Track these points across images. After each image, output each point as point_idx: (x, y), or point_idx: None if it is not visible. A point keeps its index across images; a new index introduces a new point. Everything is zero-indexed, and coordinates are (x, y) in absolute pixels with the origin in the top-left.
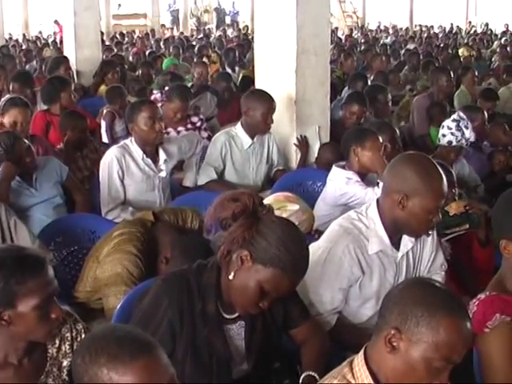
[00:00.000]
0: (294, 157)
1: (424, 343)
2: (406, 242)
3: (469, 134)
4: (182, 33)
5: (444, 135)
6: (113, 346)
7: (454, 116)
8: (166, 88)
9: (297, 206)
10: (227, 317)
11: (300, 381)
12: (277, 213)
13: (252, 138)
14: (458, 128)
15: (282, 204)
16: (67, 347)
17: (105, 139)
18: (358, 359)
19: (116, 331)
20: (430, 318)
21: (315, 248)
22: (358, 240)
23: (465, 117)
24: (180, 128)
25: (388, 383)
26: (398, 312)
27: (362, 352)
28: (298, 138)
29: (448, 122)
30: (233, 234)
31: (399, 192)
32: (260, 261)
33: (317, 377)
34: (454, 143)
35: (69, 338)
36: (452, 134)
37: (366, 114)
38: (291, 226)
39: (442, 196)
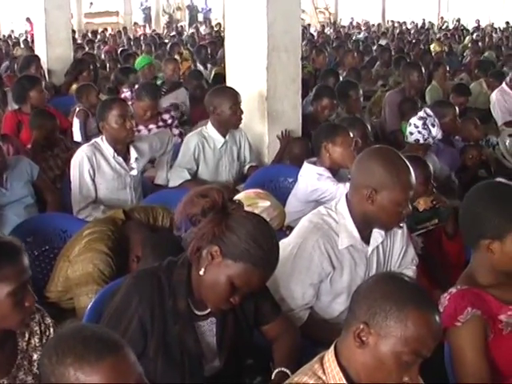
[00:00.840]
0: (267, 153)
1: (393, 337)
2: (376, 236)
3: (435, 132)
4: (154, 30)
5: (411, 133)
6: (79, 347)
7: (421, 113)
8: (136, 86)
9: (268, 203)
10: (198, 313)
11: (272, 377)
12: (248, 209)
13: (224, 136)
14: (425, 126)
15: (253, 201)
16: (36, 341)
17: (77, 138)
18: (329, 355)
19: (83, 331)
20: (398, 312)
21: (286, 244)
22: (328, 235)
23: (432, 114)
24: (151, 126)
25: (358, 378)
26: (366, 307)
27: (332, 348)
28: (282, 132)
29: (414, 120)
30: (202, 229)
31: (367, 187)
32: (230, 256)
33: (289, 373)
34: (422, 141)
35: (38, 332)
36: (419, 132)
37: (337, 108)
38: (261, 221)
39: (410, 188)
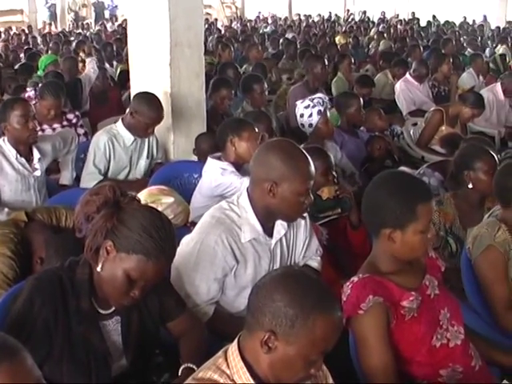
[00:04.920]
0: (172, 149)
1: (301, 342)
2: (279, 229)
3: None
4: (62, 28)
5: (303, 125)
6: None
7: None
8: (40, 85)
9: (171, 199)
10: (103, 312)
11: (179, 373)
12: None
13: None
14: (308, 112)
15: (157, 197)
16: None
17: None
18: (232, 349)
19: None
20: (304, 320)
21: (188, 240)
22: (231, 229)
23: (314, 97)
24: (56, 125)
25: (264, 374)
26: (271, 315)
27: (235, 342)
28: None
29: (302, 110)
30: (95, 226)
31: (268, 180)
32: (123, 249)
33: (195, 368)
34: (307, 126)
35: None
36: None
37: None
38: (153, 212)
39: (310, 177)
